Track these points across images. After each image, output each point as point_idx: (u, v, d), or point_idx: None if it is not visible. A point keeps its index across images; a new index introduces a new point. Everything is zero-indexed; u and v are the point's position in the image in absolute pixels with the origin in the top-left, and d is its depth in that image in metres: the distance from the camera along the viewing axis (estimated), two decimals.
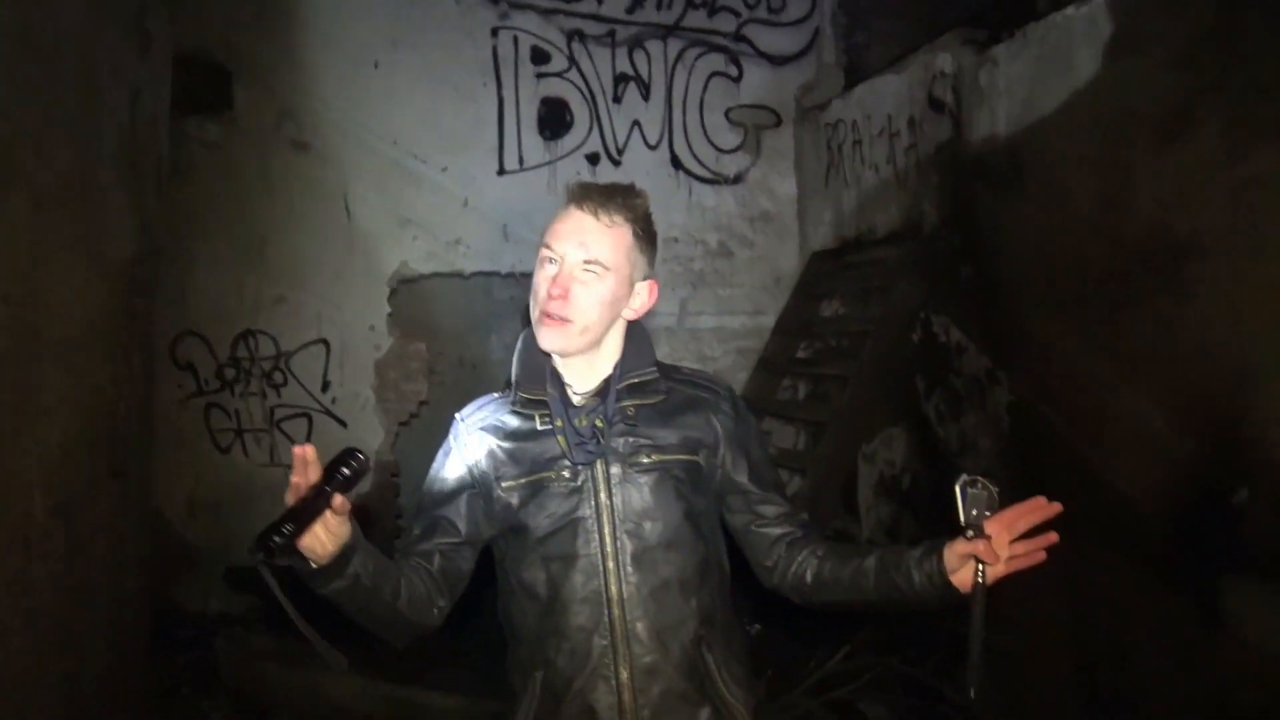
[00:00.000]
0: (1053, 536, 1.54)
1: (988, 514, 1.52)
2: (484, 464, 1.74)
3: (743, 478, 1.79)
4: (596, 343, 1.73)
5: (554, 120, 5.90)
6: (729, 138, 6.04)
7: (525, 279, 6.72)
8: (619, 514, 1.68)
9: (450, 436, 1.81)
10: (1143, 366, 3.19)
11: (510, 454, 1.73)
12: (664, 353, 6.18)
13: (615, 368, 1.76)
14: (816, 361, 5.42)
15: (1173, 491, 3.06)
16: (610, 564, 1.67)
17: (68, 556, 2.62)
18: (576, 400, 1.74)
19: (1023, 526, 1.54)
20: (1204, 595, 2.89)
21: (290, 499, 1.40)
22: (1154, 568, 3.13)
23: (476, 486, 1.74)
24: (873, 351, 4.85)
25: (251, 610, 5.52)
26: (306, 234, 5.66)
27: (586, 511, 1.68)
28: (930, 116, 4.46)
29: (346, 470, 1.41)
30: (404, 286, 5.88)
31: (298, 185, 5.64)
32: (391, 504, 5.91)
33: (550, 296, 1.66)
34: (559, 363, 1.76)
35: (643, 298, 1.78)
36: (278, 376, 5.70)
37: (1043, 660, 3.70)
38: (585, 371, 1.76)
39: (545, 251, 1.70)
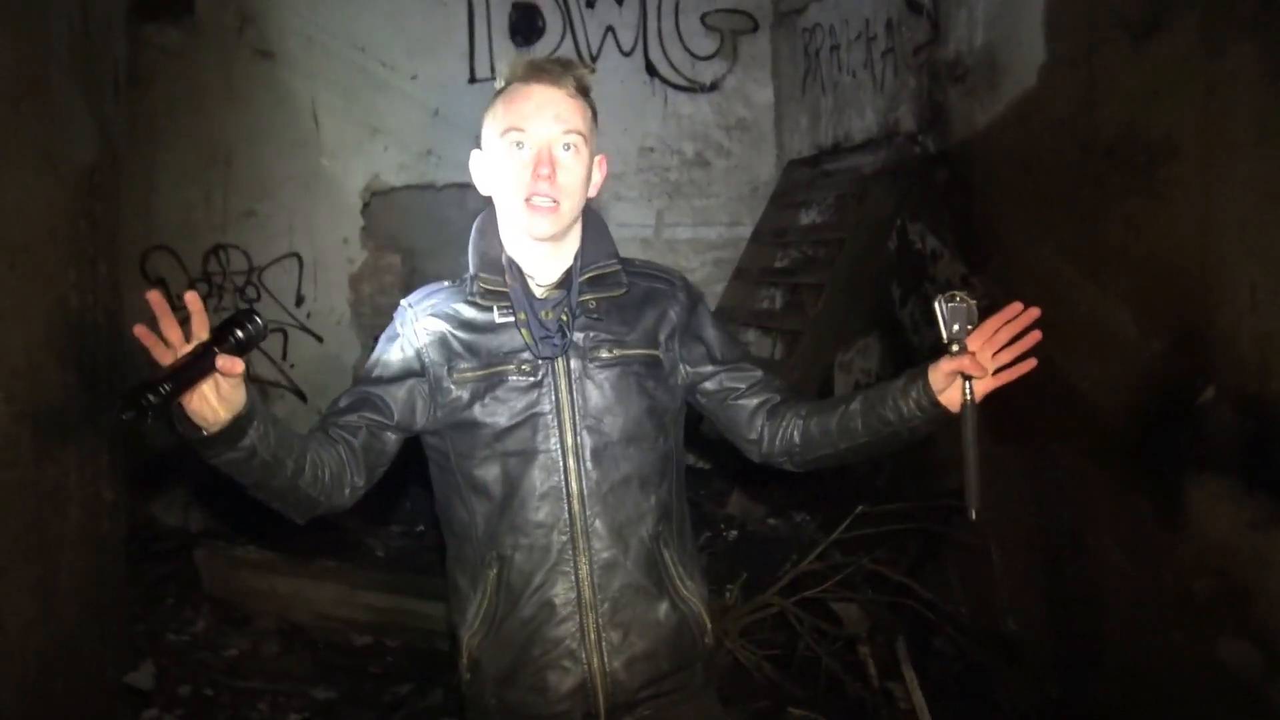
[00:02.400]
0: (1035, 337, 1.53)
1: (969, 328, 1.51)
2: (434, 354, 1.66)
3: (704, 364, 1.76)
4: (571, 226, 1.68)
5: (525, 26, 5.76)
6: (705, 43, 5.91)
7: None
8: (579, 410, 1.64)
9: (396, 322, 1.73)
10: (1112, 268, 3.19)
11: (466, 345, 1.66)
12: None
13: (575, 258, 1.70)
14: (793, 271, 5.40)
15: (1138, 392, 3.09)
16: (570, 460, 1.63)
17: (35, 462, 2.62)
18: (539, 292, 1.68)
19: (1004, 336, 1.53)
20: (1166, 493, 2.94)
21: (163, 356, 1.26)
22: (1117, 468, 3.18)
23: (425, 375, 1.67)
24: (848, 259, 4.83)
25: (236, 526, 5.56)
26: (274, 145, 5.56)
27: (546, 407, 1.63)
28: (908, 19, 4.38)
29: (240, 334, 1.27)
30: (376, 199, 5.80)
31: (263, 94, 5.51)
32: None
33: (537, 177, 1.58)
34: (517, 252, 1.69)
35: (597, 174, 1.73)
36: (251, 291, 5.64)
37: (1008, 558, 3.78)
38: (547, 261, 1.69)
39: (512, 135, 1.60)
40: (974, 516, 1.58)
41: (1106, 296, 3.20)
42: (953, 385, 1.54)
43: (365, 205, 5.74)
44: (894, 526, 3.83)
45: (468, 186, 6.00)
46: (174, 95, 5.40)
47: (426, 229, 6.72)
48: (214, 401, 1.31)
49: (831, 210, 5.26)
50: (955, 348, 1.50)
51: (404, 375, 1.67)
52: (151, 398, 1.17)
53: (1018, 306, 1.54)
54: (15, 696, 2.43)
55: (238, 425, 1.36)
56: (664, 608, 1.68)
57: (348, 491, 1.60)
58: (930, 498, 4.54)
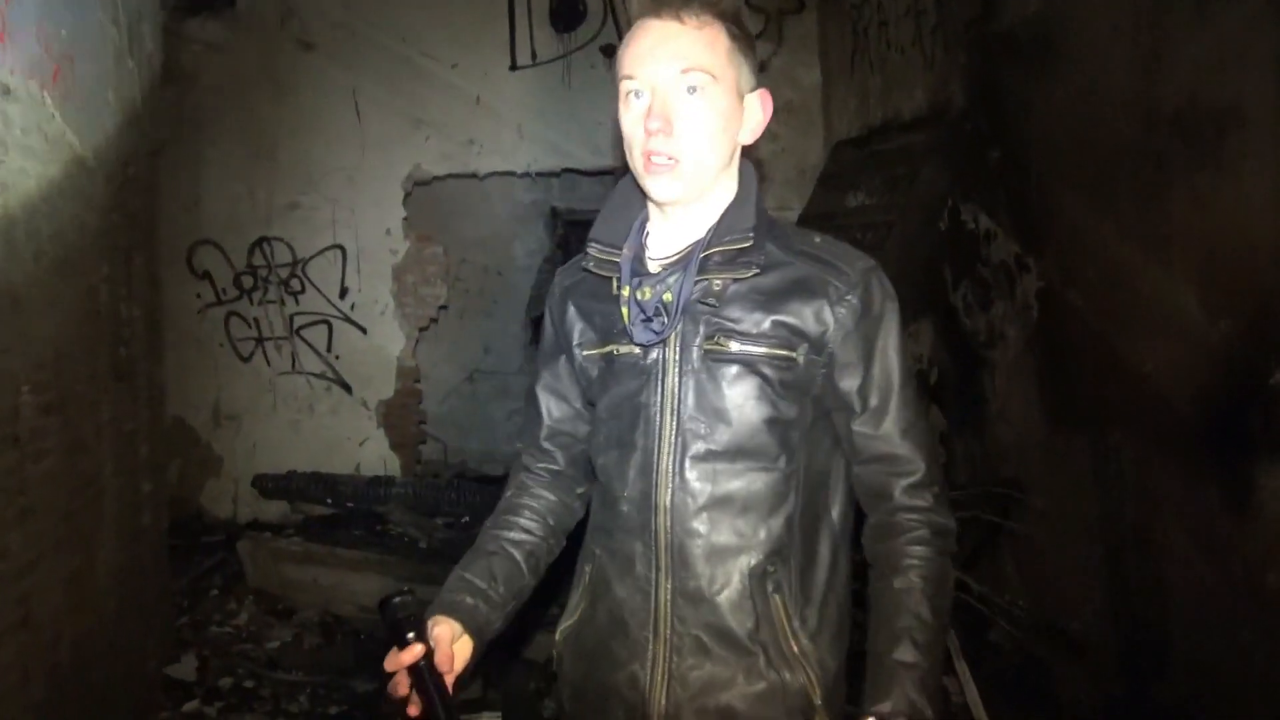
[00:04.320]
0: None
1: None
2: (566, 325, 1.50)
3: (850, 385, 1.38)
4: (709, 186, 1.39)
5: (567, 11, 5.68)
6: (750, 25, 5.78)
7: (543, 179, 6.63)
8: (685, 407, 1.37)
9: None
10: (1177, 247, 3.03)
11: (587, 316, 1.47)
12: None
13: (709, 230, 1.39)
14: None
15: (1204, 376, 2.93)
16: (665, 463, 1.38)
17: (66, 455, 2.61)
18: (653, 266, 1.42)
19: None
20: (1235, 481, 2.78)
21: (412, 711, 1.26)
22: (1184, 454, 3.02)
23: (566, 347, 1.51)
24: (899, 241, 4.68)
25: (283, 517, 5.59)
26: (317, 137, 5.56)
27: (651, 398, 1.39)
28: None
29: (413, 629, 1.24)
30: (419, 189, 5.77)
31: (306, 86, 5.52)
32: (415, 410, 5.90)
33: (649, 133, 1.32)
34: (655, 217, 1.44)
35: (756, 114, 1.40)
36: (295, 284, 5.66)
37: (1068, 549, 3.64)
38: (678, 230, 1.42)
39: (626, 85, 1.35)
40: None
41: (1171, 276, 3.04)
42: None
43: (407, 195, 5.71)
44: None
45: (510, 174, 5.97)
46: (218, 89, 5.43)
47: (470, 219, 6.71)
48: (458, 668, 1.33)
49: (881, 192, 5.11)
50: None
51: (556, 351, 1.54)
52: None
53: None
54: (47, 687, 2.42)
55: (482, 639, 1.40)
56: (754, 664, 1.36)
57: (578, 507, 1.57)
58: (988, 485, 4.41)
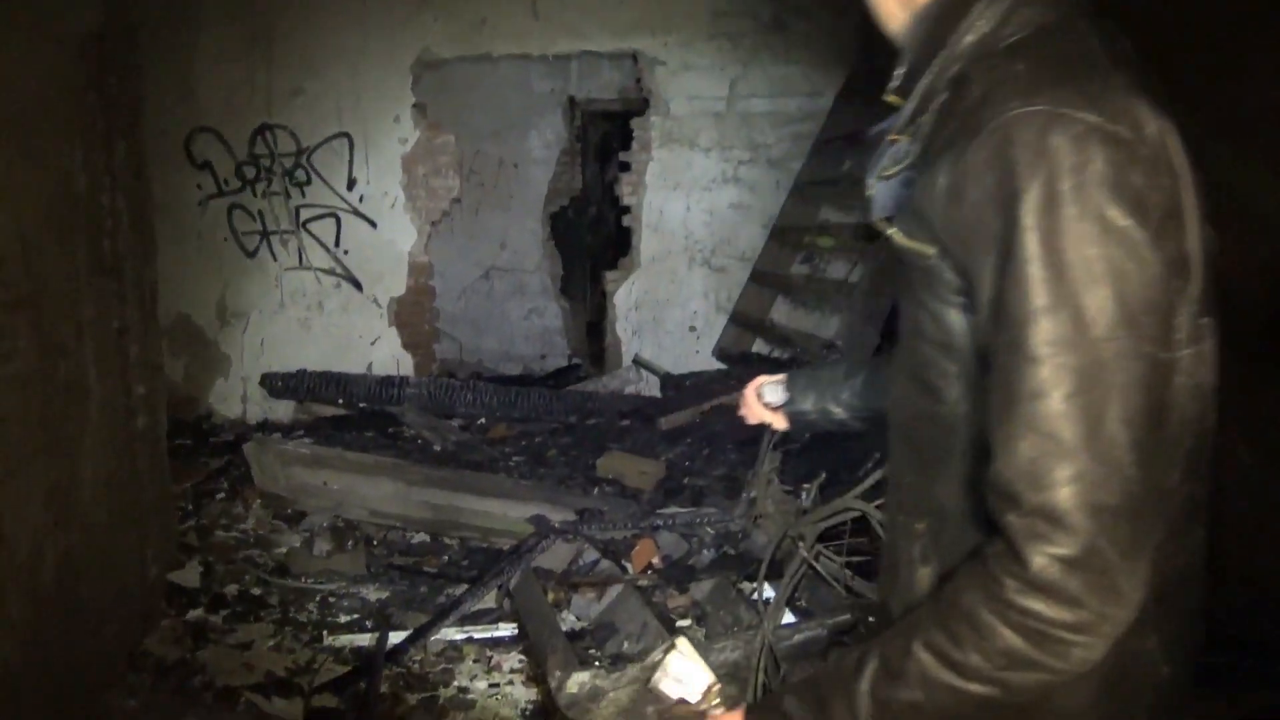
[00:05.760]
0: None
1: None
2: None
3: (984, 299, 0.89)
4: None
5: None
6: None
7: (559, 63, 6.23)
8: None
9: None
10: (1251, 127, 2.74)
11: None
12: (711, 138, 5.74)
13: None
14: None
15: (1276, 270, 2.68)
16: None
17: (40, 356, 2.41)
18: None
19: None
20: None
21: None
22: (1248, 356, 2.78)
23: None
24: None
25: (293, 417, 5.44)
26: (318, 19, 5.21)
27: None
28: None
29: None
30: (427, 73, 5.44)
31: None
32: (428, 308, 5.69)
33: None
34: None
35: None
36: (300, 174, 5.39)
37: None
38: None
39: None
40: None
41: (1244, 159, 2.76)
42: None
43: (415, 80, 5.38)
44: None
45: (525, 59, 5.58)
46: None
47: (483, 109, 6.37)
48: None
49: None
50: None
51: None
52: None
53: None
54: (26, 608, 2.28)
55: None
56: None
57: None
58: None
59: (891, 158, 1.00)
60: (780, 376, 1.57)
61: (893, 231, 0.99)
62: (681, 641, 1.34)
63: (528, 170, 6.82)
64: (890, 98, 1.02)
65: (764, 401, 1.56)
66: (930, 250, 0.93)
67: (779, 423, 1.58)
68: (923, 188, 0.93)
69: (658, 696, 1.27)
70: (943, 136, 0.92)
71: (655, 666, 1.32)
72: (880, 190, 1.02)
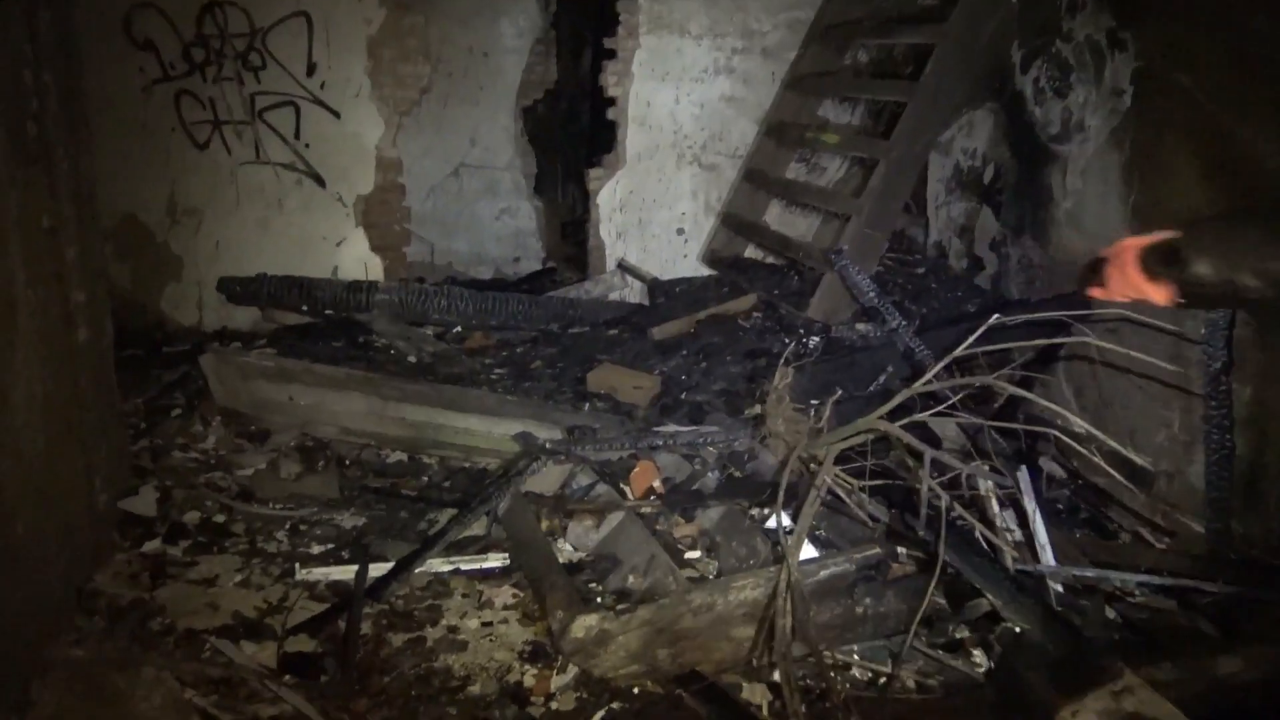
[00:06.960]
0: None
1: None
2: None
3: None
4: None
5: None
6: None
7: None
8: None
9: None
10: None
11: None
12: (702, 24, 5.30)
13: None
14: (887, 28, 4.53)
15: None
16: None
17: None
18: None
19: None
20: None
21: None
22: None
23: None
24: (963, 12, 3.97)
25: (254, 325, 5.06)
26: None
27: None
28: None
29: None
30: None
31: None
32: (397, 207, 5.28)
33: None
34: None
35: None
36: (254, 58, 4.90)
37: (1136, 375, 3.23)
38: None
39: None
40: None
41: None
42: None
43: None
44: (1014, 344, 3.23)
45: None
46: None
47: None
48: None
49: None
50: None
51: None
52: None
53: None
54: None
55: None
56: None
57: None
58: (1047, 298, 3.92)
59: None
60: None
61: None
62: None
63: (498, 59, 6.32)
64: None
65: None
66: None
67: None
68: None
69: None
70: None
71: None
72: None
